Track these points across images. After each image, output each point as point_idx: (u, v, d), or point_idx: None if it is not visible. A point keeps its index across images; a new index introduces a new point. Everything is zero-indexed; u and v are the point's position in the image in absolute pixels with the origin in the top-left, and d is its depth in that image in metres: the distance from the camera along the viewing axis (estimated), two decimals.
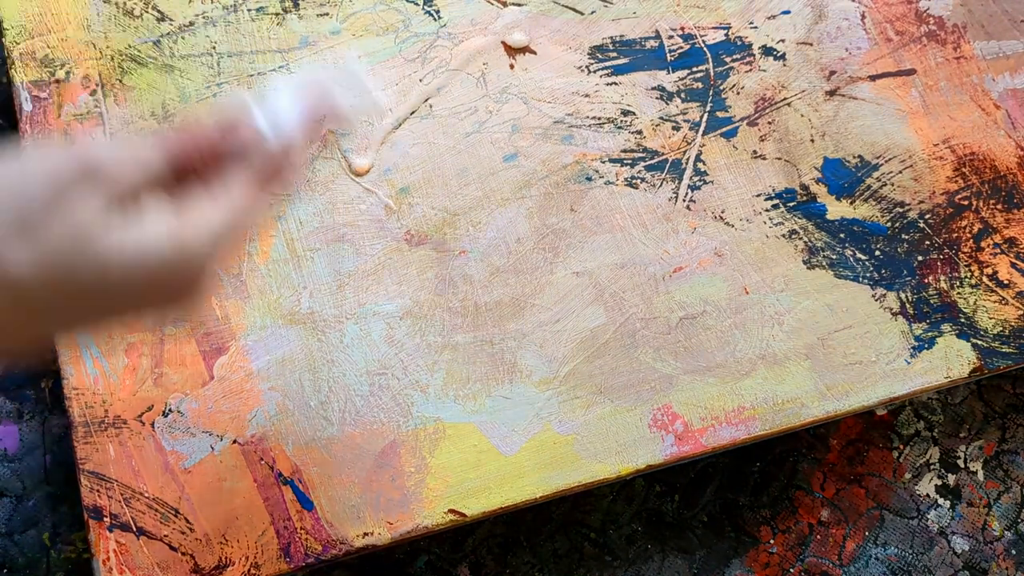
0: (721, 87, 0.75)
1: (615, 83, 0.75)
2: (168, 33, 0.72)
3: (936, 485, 0.76)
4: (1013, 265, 0.73)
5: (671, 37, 0.76)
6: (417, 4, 0.75)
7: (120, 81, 0.71)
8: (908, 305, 0.71)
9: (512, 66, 0.74)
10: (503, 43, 0.74)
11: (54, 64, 0.71)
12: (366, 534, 0.65)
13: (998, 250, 0.73)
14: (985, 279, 0.72)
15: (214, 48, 0.72)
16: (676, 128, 0.74)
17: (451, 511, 0.66)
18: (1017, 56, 0.77)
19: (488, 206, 0.71)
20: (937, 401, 0.77)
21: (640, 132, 0.74)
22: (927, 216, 0.73)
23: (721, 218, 0.72)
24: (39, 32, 0.71)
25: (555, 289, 0.70)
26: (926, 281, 0.72)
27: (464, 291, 0.70)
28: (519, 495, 0.66)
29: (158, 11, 0.72)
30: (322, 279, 0.69)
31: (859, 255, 0.72)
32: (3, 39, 0.71)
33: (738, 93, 0.75)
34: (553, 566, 0.73)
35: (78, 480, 0.65)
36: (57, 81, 0.70)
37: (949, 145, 0.75)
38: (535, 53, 0.74)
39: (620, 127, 0.74)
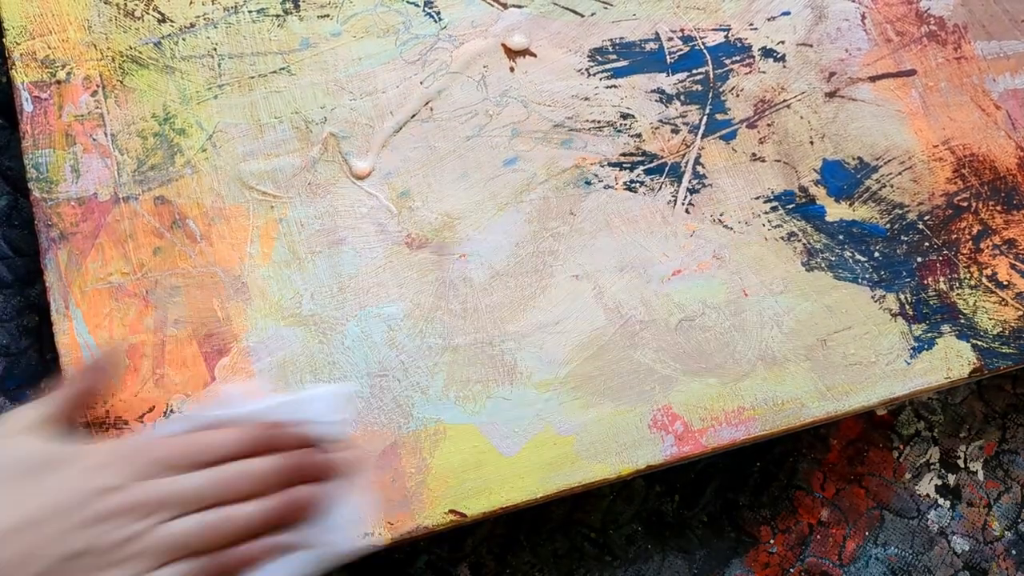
0: (720, 89, 0.75)
1: (614, 86, 0.75)
2: (169, 35, 0.72)
3: (936, 485, 0.76)
4: (1012, 266, 0.73)
5: (671, 39, 0.76)
6: (417, 5, 0.75)
7: (121, 82, 0.71)
8: (907, 306, 0.71)
9: (512, 69, 0.74)
10: (503, 45, 0.75)
11: (55, 65, 0.71)
12: (366, 534, 0.65)
13: (997, 251, 0.73)
14: (985, 280, 0.72)
15: (215, 50, 0.72)
16: (675, 131, 0.74)
17: (451, 511, 0.66)
18: (1018, 56, 0.77)
19: (488, 210, 0.71)
20: (937, 401, 0.77)
21: (639, 135, 0.74)
22: (926, 218, 0.74)
23: (720, 221, 0.72)
24: (40, 33, 0.71)
25: (554, 292, 0.70)
26: (925, 282, 0.72)
27: (464, 294, 0.70)
28: (519, 495, 0.66)
29: (159, 13, 0.72)
30: (323, 281, 0.69)
31: (858, 257, 0.72)
32: (3, 39, 0.71)
33: (737, 95, 0.75)
34: (553, 566, 0.73)
35: None
36: (58, 82, 0.70)
37: (949, 146, 0.75)
38: (535, 56, 0.75)
39: (619, 130, 0.74)
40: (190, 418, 0.59)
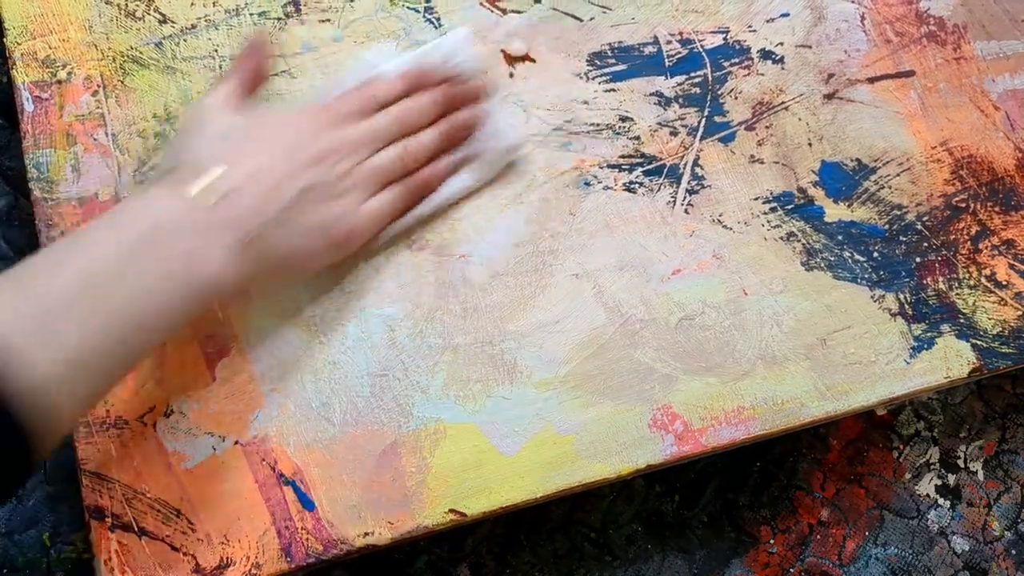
0: (719, 92, 0.75)
1: (613, 90, 0.75)
2: (170, 36, 0.72)
3: (936, 485, 0.76)
4: (1011, 266, 0.73)
5: (669, 43, 0.76)
6: (418, 11, 0.75)
7: (122, 82, 0.71)
8: (907, 306, 0.72)
9: (512, 75, 0.74)
10: (503, 51, 0.75)
11: (56, 65, 0.71)
12: (367, 534, 0.65)
13: (996, 252, 0.73)
14: (984, 280, 0.73)
15: (216, 51, 0.72)
16: (674, 133, 0.74)
17: (451, 511, 0.66)
18: (1017, 56, 0.77)
19: (488, 211, 0.71)
20: (937, 401, 0.77)
21: (638, 138, 0.74)
22: (925, 218, 0.74)
23: (719, 222, 0.73)
24: (40, 33, 0.71)
25: (554, 291, 0.70)
26: (925, 282, 0.72)
27: (464, 294, 0.70)
28: (519, 495, 0.66)
29: (160, 14, 0.73)
30: (324, 282, 0.69)
31: (857, 257, 0.72)
32: (4, 39, 0.71)
33: (736, 98, 0.75)
34: (553, 566, 0.73)
35: (79, 480, 0.64)
36: (59, 82, 0.71)
37: (947, 147, 0.75)
38: (534, 61, 0.75)
39: (618, 133, 0.74)
40: (344, 83, 0.70)
